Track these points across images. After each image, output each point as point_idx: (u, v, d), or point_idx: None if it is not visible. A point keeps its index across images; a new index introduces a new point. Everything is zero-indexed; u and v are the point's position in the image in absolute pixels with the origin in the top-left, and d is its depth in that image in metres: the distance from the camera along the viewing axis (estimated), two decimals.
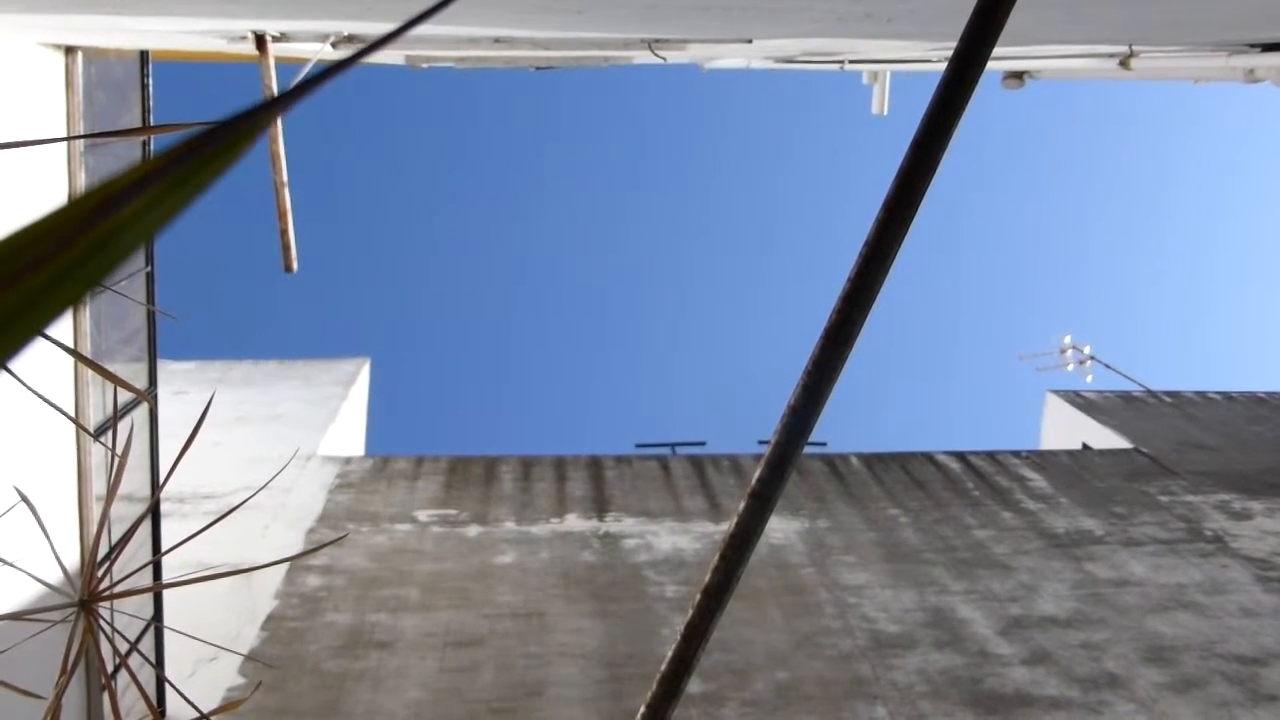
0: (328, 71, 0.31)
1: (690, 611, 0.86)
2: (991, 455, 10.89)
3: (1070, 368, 15.17)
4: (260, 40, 5.75)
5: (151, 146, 6.39)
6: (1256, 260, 34.42)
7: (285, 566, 8.02)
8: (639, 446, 11.62)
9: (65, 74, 5.75)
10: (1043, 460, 10.91)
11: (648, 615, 7.68)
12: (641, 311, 32.96)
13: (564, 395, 32.13)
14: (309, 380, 12.83)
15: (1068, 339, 15.38)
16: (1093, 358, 15.11)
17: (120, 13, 4.44)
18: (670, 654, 0.86)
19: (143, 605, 6.29)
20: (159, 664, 6.02)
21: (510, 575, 8.20)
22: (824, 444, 11.13)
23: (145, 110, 6.50)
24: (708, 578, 0.85)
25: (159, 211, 0.28)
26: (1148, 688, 6.83)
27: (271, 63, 5.84)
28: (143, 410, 6.50)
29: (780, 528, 9.02)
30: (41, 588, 4.71)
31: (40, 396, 1.41)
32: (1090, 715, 6.57)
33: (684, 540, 8.88)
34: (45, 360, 5.28)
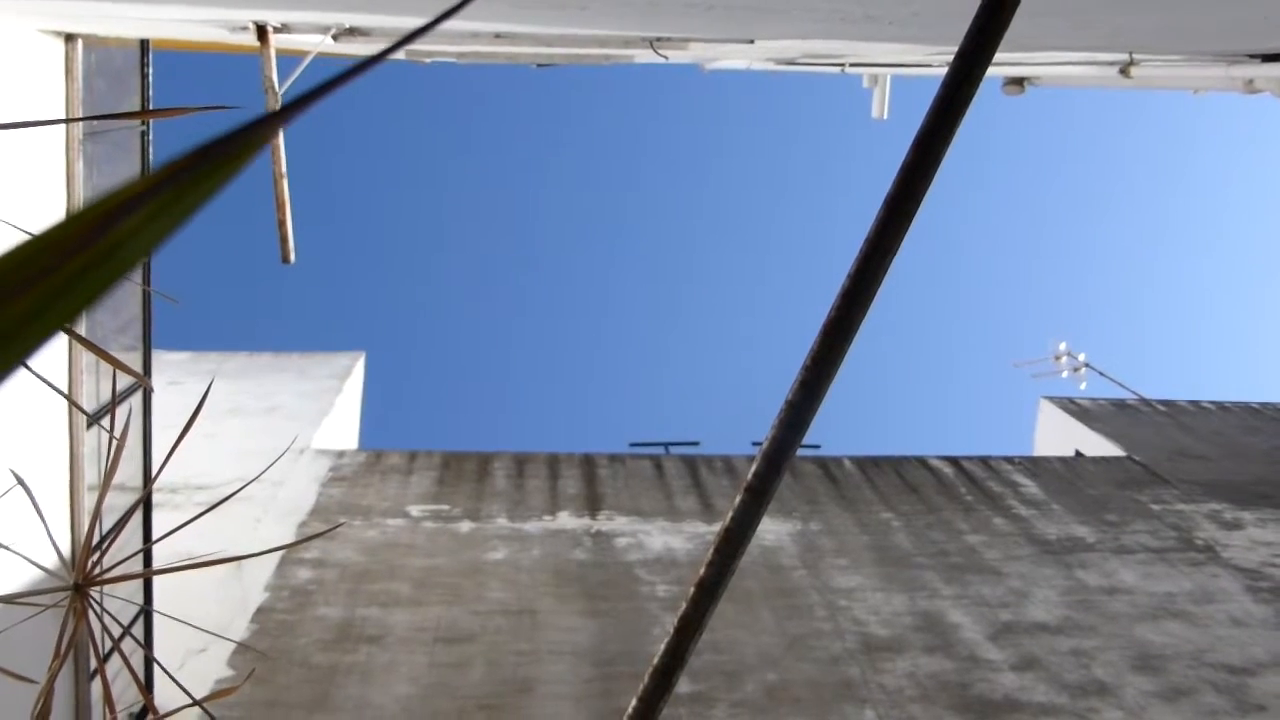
0: (333, 81, 0.31)
1: (684, 605, 0.86)
2: (985, 460, 10.91)
3: (1065, 375, 15.20)
4: (261, 31, 5.74)
5: (150, 134, 6.38)
6: (1254, 270, 34.49)
7: (276, 559, 8.01)
8: (633, 445, 11.62)
9: (65, 61, 5.73)
10: (1035, 466, 10.92)
11: (638, 614, 7.68)
12: (638, 310, 32.97)
13: (559, 393, 32.11)
14: (304, 373, 12.81)
15: (1063, 346, 15.41)
16: (1087, 365, 15.13)
17: None
18: (663, 647, 0.86)
19: (132, 594, 6.28)
20: (148, 651, 6.00)
21: (502, 572, 8.20)
22: (818, 446, 11.14)
23: (145, 99, 6.49)
24: (702, 572, 0.85)
25: (161, 224, 0.28)
26: (1136, 696, 6.84)
27: (272, 54, 5.83)
28: (136, 400, 6.49)
29: (772, 529, 9.03)
30: (29, 575, 4.70)
31: (41, 378, 1.41)
32: None
33: (676, 540, 8.88)
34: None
